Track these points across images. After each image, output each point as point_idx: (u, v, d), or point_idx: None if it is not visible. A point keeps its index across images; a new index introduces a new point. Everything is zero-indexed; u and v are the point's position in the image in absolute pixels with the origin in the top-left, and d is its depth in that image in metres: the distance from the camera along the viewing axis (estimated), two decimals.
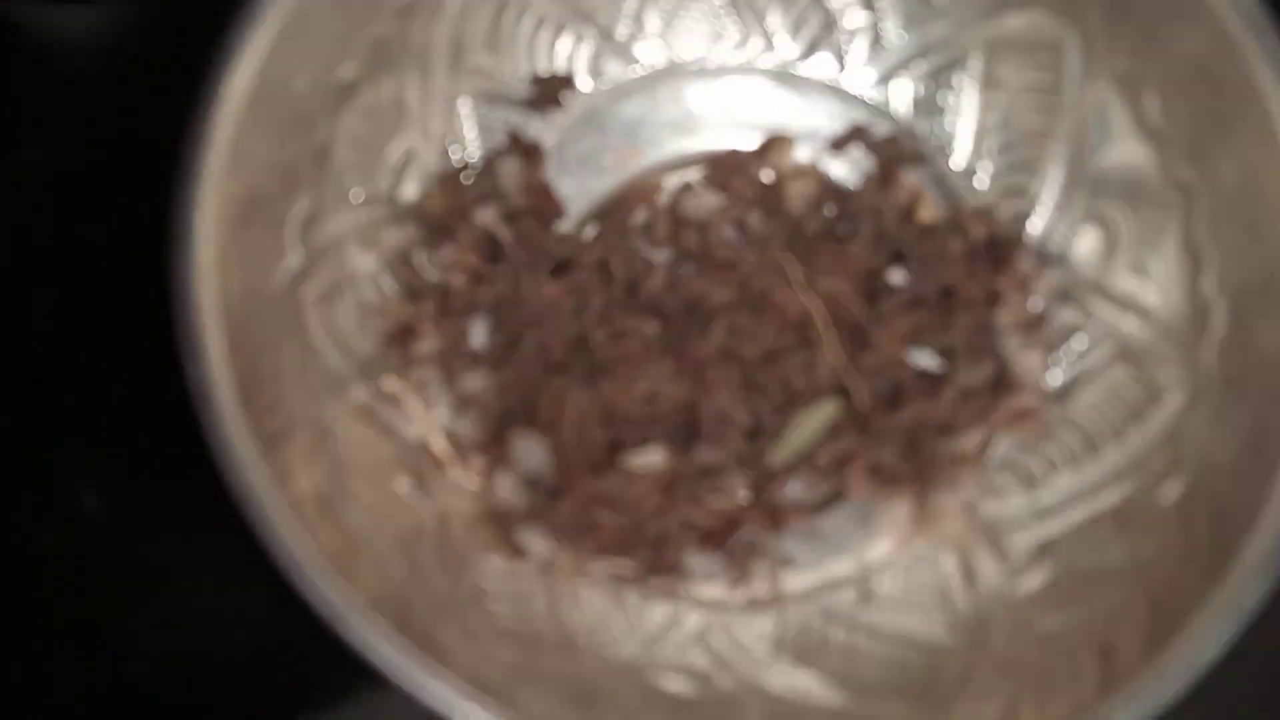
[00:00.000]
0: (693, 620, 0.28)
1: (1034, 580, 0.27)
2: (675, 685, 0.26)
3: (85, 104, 0.37)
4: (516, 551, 0.28)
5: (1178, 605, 0.23)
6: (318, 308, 0.27)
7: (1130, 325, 0.28)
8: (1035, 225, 0.30)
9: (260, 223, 0.25)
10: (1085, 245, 0.30)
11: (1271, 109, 0.24)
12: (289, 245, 0.26)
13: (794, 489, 0.30)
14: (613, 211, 0.32)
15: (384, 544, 0.25)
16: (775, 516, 0.30)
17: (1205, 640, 0.22)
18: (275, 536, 0.22)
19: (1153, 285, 0.28)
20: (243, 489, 0.22)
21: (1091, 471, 0.28)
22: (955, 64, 0.31)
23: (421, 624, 0.23)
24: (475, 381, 0.28)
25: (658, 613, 0.28)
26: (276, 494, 0.22)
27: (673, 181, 0.33)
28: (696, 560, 0.29)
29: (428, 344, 0.29)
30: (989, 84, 0.31)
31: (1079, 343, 0.29)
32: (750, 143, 0.33)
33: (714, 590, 0.29)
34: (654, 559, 0.29)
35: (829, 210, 0.32)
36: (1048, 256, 0.30)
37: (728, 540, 0.29)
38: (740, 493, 0.30)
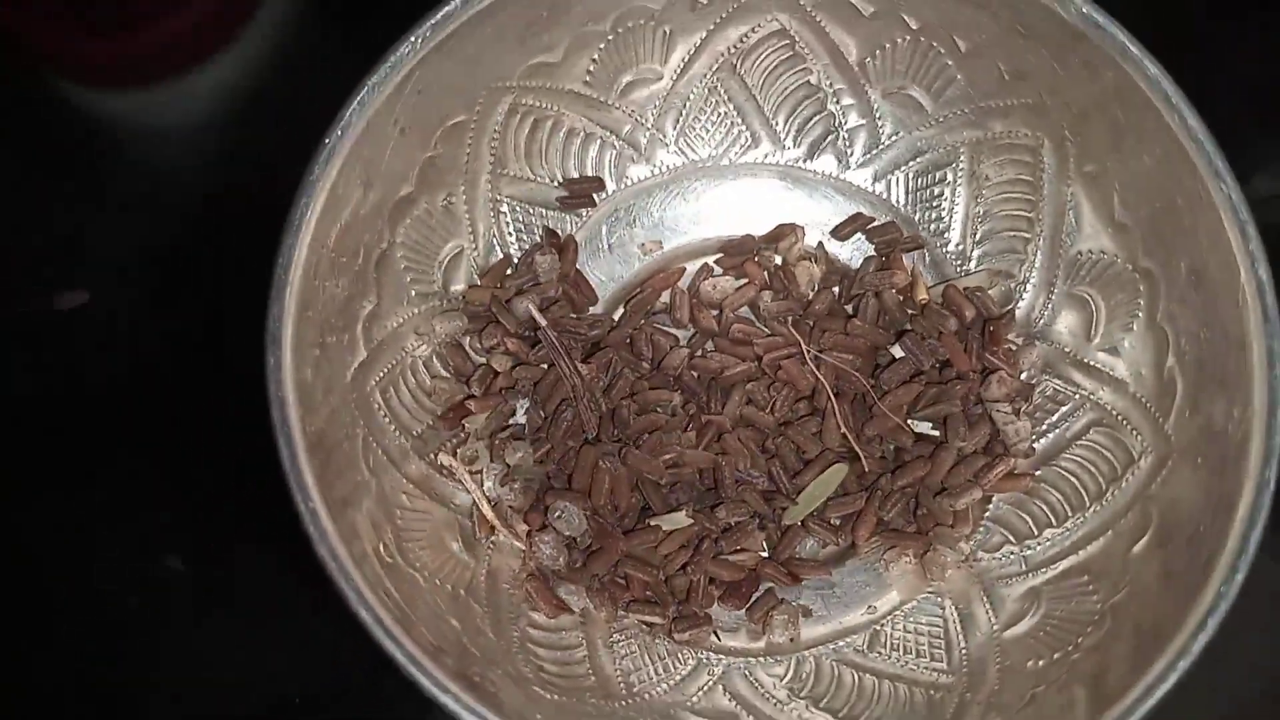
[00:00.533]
0: (718, 667, 0.31)
1: (1022, 626, 0.30)
2: None
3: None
4: (559, 606, 0.31)
5: (1157, 630, 0.26)
6: (380, 392, 0.31)
7: (1106, 396, 0.31)
8: (1021, 305, 0.34)
9: (335, 326, 0.29)
10: (1065, 323, 0.33)
11: (1218, 213, 0.27)
12: (359, 342, 0.30)
13: (808, 545, 0.34)
14: (638, 295, 0.36)
15: (441, 599, 0.29)
16: (791, 570, 0.33)
17: (1165, 677, 0.25)
18: (346, 589, 0.26)
19: (1125, 361, 0.31)
20: (319, 549, 0.25)
21: (1073, 527, 0.31)
22: (945, 162, 0.34)
23: (475, 670, 0.26)
24: (519, 455, 0.32)
25: (685, 659, 0.31)
26: (344, 552, 0.26)
27: (692, 267, 0.36)
28: (720, 612, 0.32)
29: (475, 422, 0.32)
30: (975, 180, 0.34)
31: (1062, 411, 0.32)
32: (761, 230, 0.36)
33: (737, 640, 0.32)
34: (681, 612, 0.32)
35: (835, 290, 0.36)
36: (1032, 333, 0.33)
37: (750, 594, 0.32)
38: (759, 550, 0.33)
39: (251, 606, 0.37)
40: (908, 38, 0.32)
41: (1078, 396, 0.32)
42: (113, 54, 0.42)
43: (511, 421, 0.33)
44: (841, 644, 0.32)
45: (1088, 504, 0.31)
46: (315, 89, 0.41)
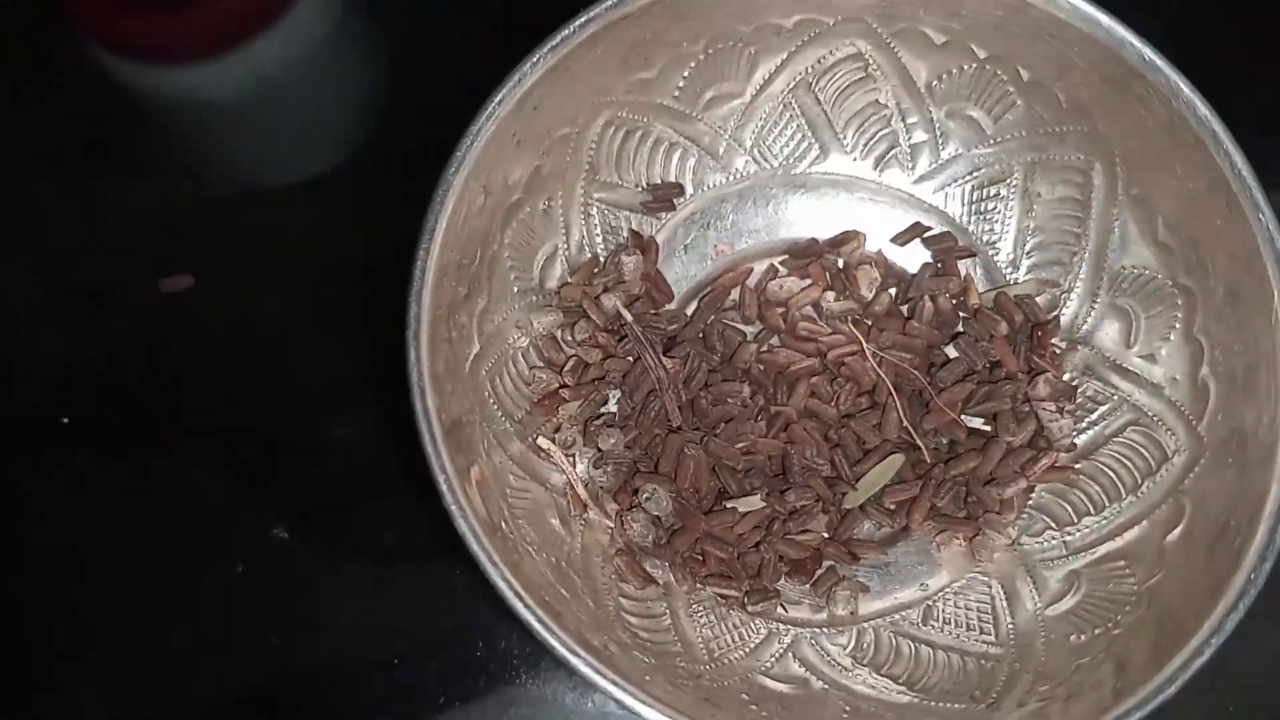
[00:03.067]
0: (786, 636, 0.34)
1: (1064, 604, 0.33)
2: (779, 686, 0.33)
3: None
4: (646, 578, 0.34)
5: (1178, 625, 0.29)
6: (488, 381, 0.34)
7: (1143, 398, 0.35)
8: (1066, 312, 0.37)
9: (458, 322, 0.32)
10: (1106, 331, 0.36)
11: (1255, 241, 0.30)
12: (474, 335, 0.33)
13: (865, 528, 0.37)
14: (709, 293, 0.39)
15: (549, 570, 0.32)
16: (851, 550, 0.36)
17: (1201, 652, 0.28)
18: (483, 559, 0.29)
19: (1161, 368, 0.34)
20: (459, 523, 0.29)
21: (1111, 516, 0.34)
22: (1000, 179, 0.37)
23: (589, 635, 0.30)
24: (611, 440, 0.35)
25: (758, 629, 0.35)
26: (477, 525, 0.29)
27: (759, 267, 0.39)
28: (788, 586, 0.35)
29: (569, 409, 0.35)
30: (1028, 197, 0.37)
31: (1102, 411, 0.36)
32: (825, 235, 0.39)
33: (802, 612, 0.35)
34: (753, 585, 0.35)
35: (892, 293, 0.39)
36: (1076, 339, 0.37)
37: (814, 570, 0.36)
38: (822, 531, 0.36)
39: (355, 573, 0.40)
40: (974, 65, 0.35)
41: (1116, 398, 0.35)
42: (163, 32, 0.43)
43: (603, 410, 0.36)
44: (897, 617, 0.35)
45: (1124, 495, 0.34)
46: (352, 73, 0.44)
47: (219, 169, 0.47)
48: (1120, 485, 0.34)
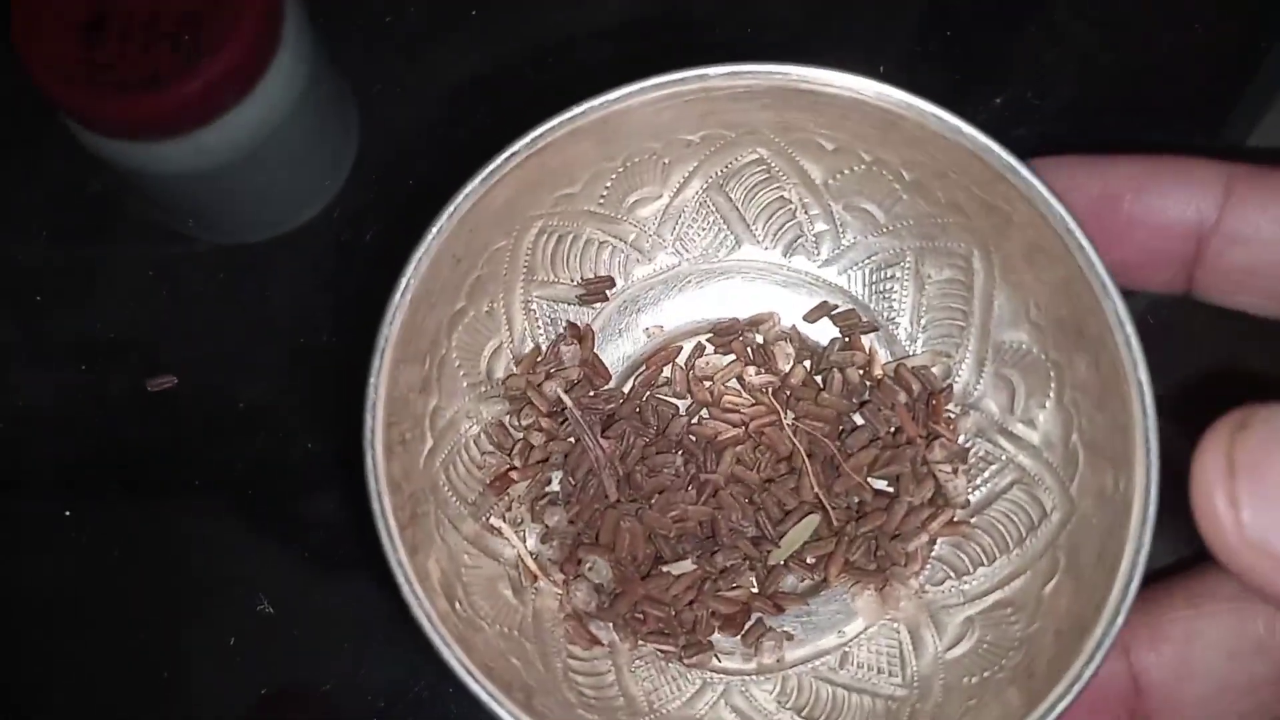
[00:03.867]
0: (719, 685, 0.39)
1: (961, 648, 0.38)
2: None
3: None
4: (593, 639, 0.38)
5: (1051, 670, 0.33)
6: (443, 470, 0.38)
7: (1026, 460, 0.39)
8: (958, 381, 0.41)
9: (410, 425, 0.36)
10: (993, 397, 0.40)
11: (1109, 325, 0.34)
12: (426, 433, 0.37)
13: (789, 581, 0.41)
14: (643, 372, 0.43)
15: (501, 641, 0.36)
16: (776, 602, 0.40)
17: (1063, 698, 0.32)
18: (440, 644, 0.33)
19: (1040, 432, 0.39)
20: (418, 615, 0.33)
21: (1001, 567, 0.39)
22: (894, 262, 0.42)
23: (537, 701, 0.34)
24: (555, 517, 0.39)
25: (693, 679, 0.39)
26: (434, 613, 0.33)
27: (688, 346, 0.43)
28: (720, 639, 0.40)
29: (518, 489, 0.40)
30: (919, 278, 0.41)
31: (991, 470, 0.40)
32: (745, 314, 0.43)
33: (734, 662, 0.39)
34: (689, 640, 0.39)
35: (806, 365, 0.43)
36: (968, 404, 0.41)
37: (743, 623, 0.40)
38: (750, 586, 0.40)
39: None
40: (862, 165, 0.40)
41: (1004, 458, 0.40)
42: (137, 112, 0.44)
43: (547, 490, 0.40)
44: (818, 663, 0.39)
45: (1011, 548, 0.39)
46: (324, 140, 0.48)
47: (202, 230, 0.50)
48: (1008, 538, 0.39)
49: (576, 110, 0.35)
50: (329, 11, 0.48)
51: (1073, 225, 0.35)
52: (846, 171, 0.40)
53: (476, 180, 0.35)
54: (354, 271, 0.50)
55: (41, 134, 0.51)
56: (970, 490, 0.40)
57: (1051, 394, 0.38)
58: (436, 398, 0.38)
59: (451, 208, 0.35)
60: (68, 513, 0.47)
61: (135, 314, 0.50)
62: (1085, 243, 0.35)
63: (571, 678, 0.37)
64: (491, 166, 0.35)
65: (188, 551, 0.47)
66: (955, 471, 0.40)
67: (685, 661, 0.39)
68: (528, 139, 0.35)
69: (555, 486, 0.40)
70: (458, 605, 0.35)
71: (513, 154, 0.35)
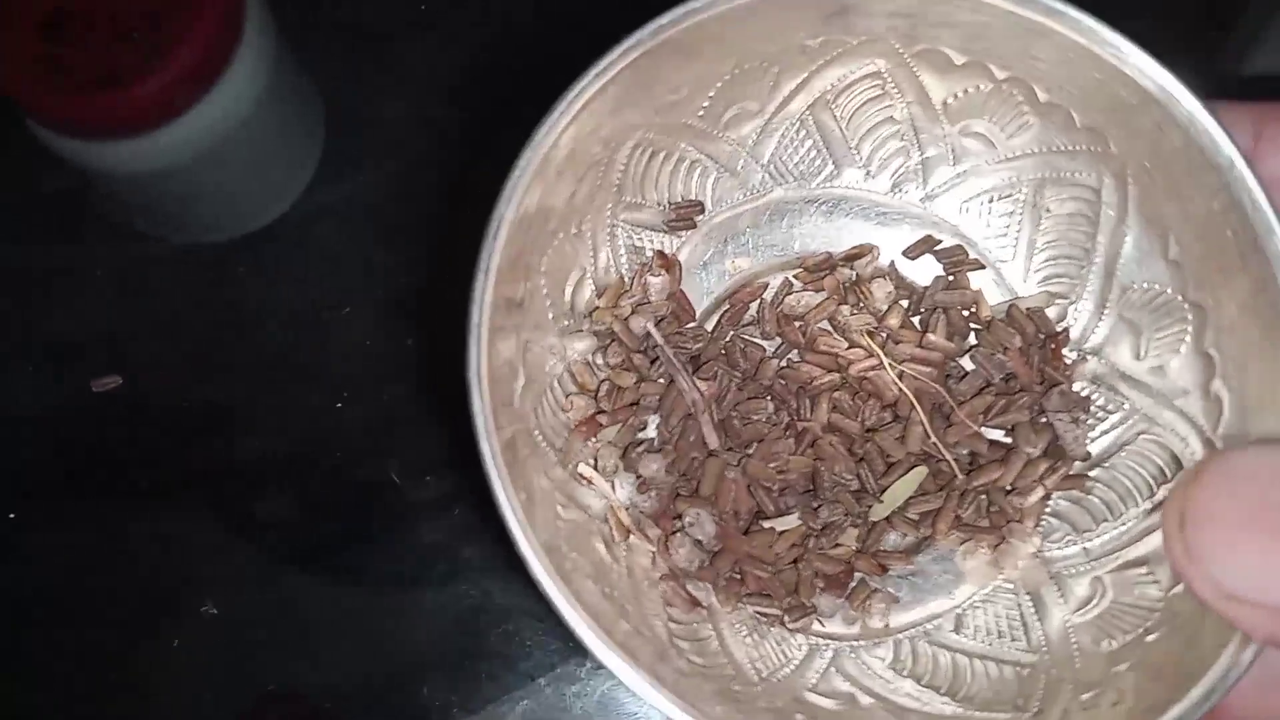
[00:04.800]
0: (827, 652, 0.35)
1: (1092, 610, 0.35)
2: (828, 703, 0.33)
3: None
4: (693, 601, 0.34)
5: (1210, 633, 0.31)
6: (533, 412, 0.33)
7: (1154, 409, 0.36)
8: (1075, 324, 0.38)
9: (503, 353, 0.31)
10: (1116, 343, 0.37)
11: (1269, 264, 0.32)
12: (519, 369, 0.32)
13: (890, 539, 0.38)
14: (728, 310, 0.39)
15: (606, 600, 0.32)
16: (880, 562, 0.37)
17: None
18: (555, 598, 0.28)
19: (1171, 380, 0.36)
20: (533, 568, 0.28)
21: (1130, 522, 0.36)
22: (1011, 193, 0.38)
23: (658, 668, 0.30)
24: (653, 466, 0.35)
25: (799, 646, 0.35)
26: (548, 564, 0.29)
27: (776, 281, 0.40)
28: (824, 601, 0.36)
29: (607, 434, 0.35)
30: (1038, 211, 0.38)
31: (1114, 420, 0.37)
32: (838, 249, 0.40)
33: (837, 626, 0.36)
34: (792, 603, 0.36)
35: (905, 305, 0.39)
36: (1085, 350, 0.38)
37: (847, 584, 0.36)
38: (852, 545, 0.37)
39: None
40: (990, 84, 0.36)
41: (1127, 407, 0.37)
42: (97, 111, 0.43)
43: (642, 435, 0.36)
44: (929, 627, 0.36)
45: (1140, 502, 0.36)
46: (288, 138, 0.47)
47: (164, 230, 0.49)
48: (1136, 492, 0.36)
49: (701, 1, 0.31)
50: (293, 8, 0.48)
51: (1233, 152, 0.32)
52: (970, 90, 0.36)
53: (590, 75, 0.31)
54: (319, 271, 0.49)
55: (1, 133, 0.48)
56: (1090, 441, 0.37)
57: (1188, 339, 0.35)
58: (528, 331, 0.33)
59: (564, 104, 0.31)
60: (12, 515, 0.46)
61: (95, 315, 0.49)
62: (1247, 172, 0.32)
63: (677, 644, 0.33)
64: (610, 58, 0.31)
65: (141, 553, 0.46)
66: (1075, 422, 0.37)
67: (789, 626, 0.35)
68: (650, 28, 0.31)
69: (650, 433, 0.36)
70: (565, 559, 0.31)
71: (631, 46, 0.31)
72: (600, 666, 0.28)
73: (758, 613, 0.35)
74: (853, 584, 0.36)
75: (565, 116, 0.31)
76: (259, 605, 0.45)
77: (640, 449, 0.36)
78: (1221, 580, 0.28)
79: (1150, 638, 0.33)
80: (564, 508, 0.33)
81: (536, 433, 0.33)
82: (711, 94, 0.36)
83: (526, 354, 0.33)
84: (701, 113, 0.36)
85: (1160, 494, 0.35)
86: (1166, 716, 0.29)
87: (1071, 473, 0.37)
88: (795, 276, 0.40)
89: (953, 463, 0.36)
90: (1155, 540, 0.35)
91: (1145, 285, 0.36)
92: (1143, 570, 0.35)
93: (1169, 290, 0.36)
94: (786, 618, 0.35)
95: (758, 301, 0.39)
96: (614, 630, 0.30)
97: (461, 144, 0.50)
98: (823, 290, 0.39)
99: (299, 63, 0.48)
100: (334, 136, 0.50)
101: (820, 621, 0.36)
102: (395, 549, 0.45)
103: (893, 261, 0.40)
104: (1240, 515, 0.28)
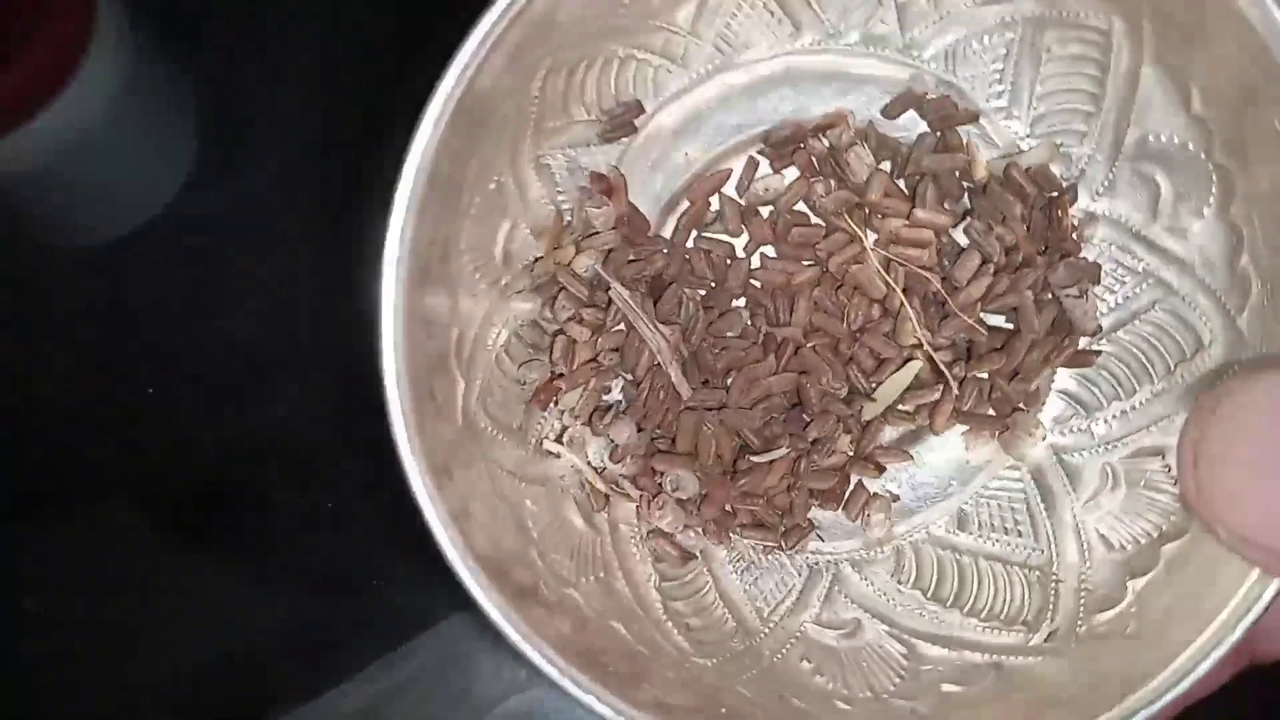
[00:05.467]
0: (829, 572, 0.34)
1: (1103, 505, 0.33)
2: (832, 636, 0.33)
3: None
4: (684, 555, 0.33)
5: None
6: (481, 408, 0.30)
7: (1170, 275, 0.32)
8: (1083, 179, 0.33)
9: (425, 346, 0.28)
10: (1129, 199, 0.33)
11: None
12: (455, 372, 0.29)
13: (887, 434, 0.36)
14: (688, 209, 0.34)
15: (593, 602, 0.31)
16: (876, 461, 0.35)
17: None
18: (528, 650, 0.27)
19: (1191, 245, 0.31)
20: (506, 630, 0.27)
21: (1142, 403, 0.33)
22: (1001, 33, 0.32)
23: (654, 694, 0.29)
24: (624, 432, 0.32)
25: (800, 568, 0.34)
26: (516, 617, 0.27)
27: (739, 166, 0.35)
28: (822, 516, 0.35)
29: (569, 399, 0.32)
30: (1035, 52, 0.32)
31: (1125, 286, 0.33)
32: (807, 117, 0.34)
33: (837, 541, 0.35)
34: (787, 526, 0.34)
35: (886, 168, 0.34)
36: (1092, 210, 0.33)
37: (843, 493, 0.35)
38: (846, 450, 0.35)
39: None
40: None
41: (1141, 269, 0.33)
42: None
43: (608, 399, 0.33)
44: (933, 527, 0.35)
45: (1155, 380, 0.33)
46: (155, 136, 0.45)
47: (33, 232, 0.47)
48: (1150, 368, 0.33)
49: None
50: (159, 3, 0.45)
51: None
52: None
53: (474, 41, 0.25)
54: (196, 273, 0.47)
55: None
56: (1100, 313, 0.34)
57: (1212, 202, 0.31)
58: (458, 326, 0.29)
59: (442, 97, 0.25)
60: None
61: None
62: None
63: (671, 607, 0.32)
64: (485, 28, 0.25)
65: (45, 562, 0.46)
66: (1083, 294, 0.33)
67: (787, 550, 0.34)
68: None
69: (616, 395, 0.33)
70: (542, 587, 0.29)
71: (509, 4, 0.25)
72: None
73: (753, 544, 0.34)
74: (849, 490, 0.35)
75: (459, 87, 0.25)
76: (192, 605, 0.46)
77: (608, 415, 0.33)
78: (1233, 523, 0.26)
79: (1167, 548, 0.31)
80: (534, 501, 0.31)
81: (484, 423, 0.31)
82: None
83: (459, 339, 0.30)
84: (623, 8, 0.30)
85: (1179, 375, 0.32)
86: (1181, 658, 0.28)
87: (1079, 348, 0.34)
88: (759, 153, 0.34)
89: (946, 371, 0.33)
90: (1171, 429, 0.32)
91: (1164, 137, 0.31)
92: (1157, 463, 0.32)
93: (1190, 146, 0.31)
94: (784, 542, 0.34)
95: (718, 195, 0.34)
96: (596, 645, 0.29)
97: (350, 132, 0.47)
98: (793, 167, 0.34)
99: (166, 57, 0.46)
100: (212, 130, 0.48)
101: (820, 537, 0.35)
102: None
103: (870, 122, 0.34)
104: (1254, 457, 0.26)
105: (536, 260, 0.32)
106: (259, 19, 0.48)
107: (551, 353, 0.32)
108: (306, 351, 0.46)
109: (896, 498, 0.35)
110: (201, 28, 0.48)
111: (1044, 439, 0.34)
